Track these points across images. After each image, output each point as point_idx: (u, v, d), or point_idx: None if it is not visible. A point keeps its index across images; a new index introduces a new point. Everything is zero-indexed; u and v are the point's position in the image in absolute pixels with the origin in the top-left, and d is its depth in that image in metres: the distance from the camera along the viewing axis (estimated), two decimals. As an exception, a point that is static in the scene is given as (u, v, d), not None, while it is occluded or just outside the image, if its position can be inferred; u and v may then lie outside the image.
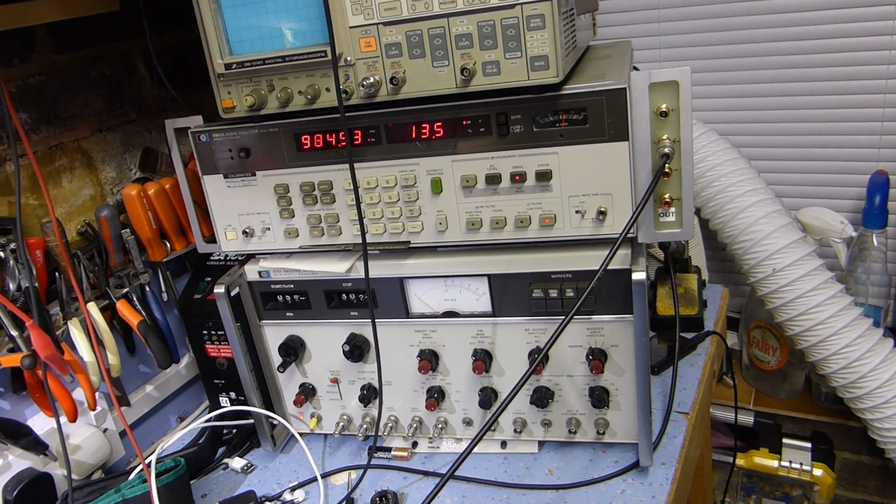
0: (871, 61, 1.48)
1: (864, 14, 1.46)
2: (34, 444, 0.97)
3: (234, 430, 1.18)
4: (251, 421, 1.12)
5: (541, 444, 1.06)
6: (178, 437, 1.16)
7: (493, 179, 0.88)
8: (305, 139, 0.93)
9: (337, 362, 1.07)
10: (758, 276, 1.45)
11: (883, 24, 1.45)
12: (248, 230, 1.01)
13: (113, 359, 1.08)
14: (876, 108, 1.51)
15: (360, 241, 0.93)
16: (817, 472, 1.58)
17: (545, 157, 0.86)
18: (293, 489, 1.05)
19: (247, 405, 1.09)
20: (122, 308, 1.11)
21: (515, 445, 1.06)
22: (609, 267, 0.84)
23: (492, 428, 1.03)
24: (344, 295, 1.03)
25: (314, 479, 1.06)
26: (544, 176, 0.87)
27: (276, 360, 1.08)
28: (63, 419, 0.98)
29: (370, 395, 1.06)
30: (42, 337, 0.92)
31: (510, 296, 0.96)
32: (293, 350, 1.06)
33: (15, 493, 0.92)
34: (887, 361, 1.39)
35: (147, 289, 1.16)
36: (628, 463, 1.00)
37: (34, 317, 0.95)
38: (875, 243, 1.49)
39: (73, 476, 1.01)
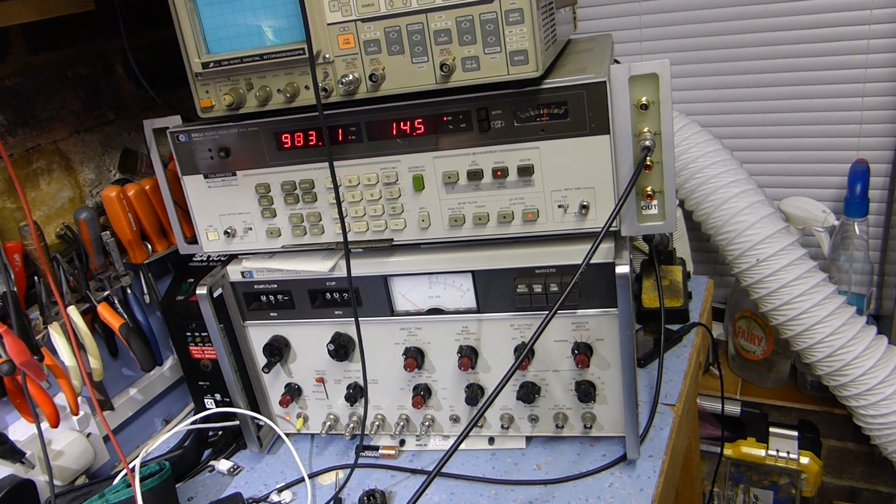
0: (849, 51, 1.49)
1: (842, 3, 1.46)
2: (10, 452, 0.96)
3: (220, 432, 1.17)
4: (237, 422, 1.11)
5: (528, 439, 1.06)
6: (162, 440, 1.15)
7: (474, 175, 0.88)
8: (285, 138, 0.92)
9: (322, 362, 1.06)
10: (742, 266, 1.46)
11: (860, 14, 1.46)
12: (229, 230, 1.00)
13: (95, 363, 1.07)
14: (855, 98, 1.52)
15: (343, 240, 0.93)
16: (804, 459, 1.60)
17: (527, 152, 0.86)
18: (280, 490, 1.04)
19: (232, 406, 1.08)
20: (104, 311, 1.09)
21: (503, 441, 1.06)
22: (593, 261, 0.84)
23: (479, 424, 1.04)
24: (328, 294, 1.02)
25: (301, 480, 1.05)
26: (526, 171, 0.86)
27: (261, 360, 1.07)
28: (45, 424, 0.97)
29: (356, 394, 1.05)
30: (16, 343, 0.91)
31: (494, 291, 0.96)
32: (278, 350, 1.05)
33: (-3, 500, 0.91)
34: (871, 349, 1.40)
35: (128, 291, 1.15)
36: (616, 456, 1.00)
37: (12, 322, 0.94)
38: (857, 231, 1.50)
39: (57, 482, 1.00)
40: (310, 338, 1.05)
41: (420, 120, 0.87)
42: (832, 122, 1.56)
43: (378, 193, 0.92)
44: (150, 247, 1.15)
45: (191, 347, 1.16)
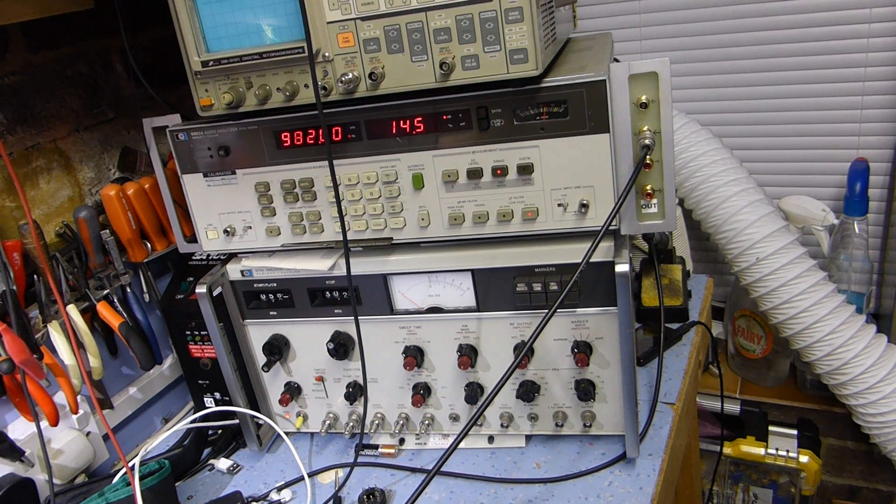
0: (849, 50, 1.49)
1: (842, 3, 1.46)
2: (9, 451, 0.96)
3: (220, 431, 1.17)
4: (236, 421, 1.11)
5: (528, 438, 1.06)
6: (162, 439, 1.15)
7: (474, 174, 0.88)
8: (285, 136, 0.92)
9: (322, 360, 1.06)
10: (742, 265, 1.46)
11: (860, 13, 1.45)
12: (229, 229, 1.00)
13: (94, 361, 1.07)
14: (855, 97, 1.52)
15: (342, 238, 0.92)
16: (803, 458, 1.60)
17: (526, 151, 0.86)
18: (280, 489, 1.04)
19: (232, 405, 1.08)
20: (103, 310, 1.09)
21: (502, 440, 1.06)
22: (592, 259, 0.84)
23: (478, 423, 1.04)
24: (327, 293, 1.02)
25: (301, 479, 1.05)
26: (526, 169, 0.86)
27: (261, 359, 1.07)
28: (45, 423, 0.97)
29: (356, 392, 1.05)
30: (16, 341, 0.91)
31: (494, 290, 0.96)
32: (277, 349, 1.05)
33: (-4, 499, 0.91)
34: (870, 347, 1.40)
35: (128, 290, 1.15)
36: (615, 455, 1.00)
37: (12, 321, 0.94)
38: (856, 230, 1.50)
39: (57, 480, 1.00)
40: (309, 336, 1.05)
41: (420, 118, 0.87)
42: (832, 121, 1.56)
43: (377, 192, 0.92)
44: (149, 245, 1.15)
45: (190, 346, 1.16)
